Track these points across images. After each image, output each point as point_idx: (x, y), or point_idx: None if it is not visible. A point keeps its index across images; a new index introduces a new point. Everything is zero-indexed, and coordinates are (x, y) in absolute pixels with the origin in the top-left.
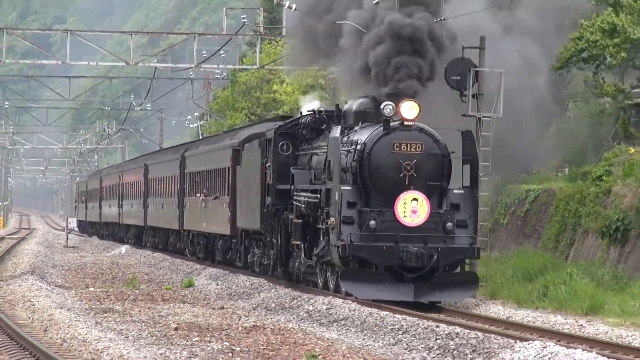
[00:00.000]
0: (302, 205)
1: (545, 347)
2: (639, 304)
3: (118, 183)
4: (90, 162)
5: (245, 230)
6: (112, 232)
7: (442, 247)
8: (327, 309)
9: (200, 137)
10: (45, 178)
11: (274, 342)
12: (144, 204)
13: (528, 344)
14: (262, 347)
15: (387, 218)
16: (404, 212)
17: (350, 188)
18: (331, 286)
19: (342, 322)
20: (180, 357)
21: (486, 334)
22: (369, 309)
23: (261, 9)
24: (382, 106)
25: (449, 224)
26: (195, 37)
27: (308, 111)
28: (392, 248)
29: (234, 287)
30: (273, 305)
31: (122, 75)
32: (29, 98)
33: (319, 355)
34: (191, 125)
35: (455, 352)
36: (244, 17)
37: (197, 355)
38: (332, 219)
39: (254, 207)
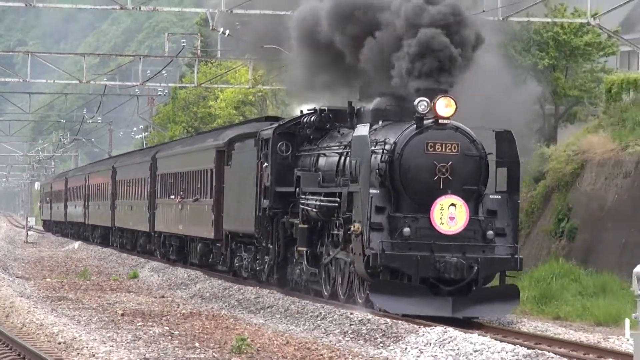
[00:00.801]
0: (313, 210)
1: (446, 332)
2: (526, 294)
3: (84, 185)
4: (48, 169)
5: (233, 234)
6: (78, 231)
7: (482, 257)
8: (255, 297)
9: (145, 147)
10: (8, 182)
11: (208, 326)
12: (111, 205)
13: (431, 329)
14: (197, 331)
15: (421, 225)
16: (441, 218)
17: (379, 191)
18: (341, 296)
19: (268, 310)
20: (125, 340)
21: (394, 321)
22: (292, 298)
23: (199, 34)
24: (416, 102)
25: (490, 232)
26: (140, 58)
27: (309, 110)
28: (428, 258)
29: (173, 278)
30: (208, 294)
31: (76, 92)
32: None
33: (247, 338)
34: (136, 137)
35: (367, 336)
36: (183, 42)
37: (140, 338)
38: (357, 224)
39: (246, 210)
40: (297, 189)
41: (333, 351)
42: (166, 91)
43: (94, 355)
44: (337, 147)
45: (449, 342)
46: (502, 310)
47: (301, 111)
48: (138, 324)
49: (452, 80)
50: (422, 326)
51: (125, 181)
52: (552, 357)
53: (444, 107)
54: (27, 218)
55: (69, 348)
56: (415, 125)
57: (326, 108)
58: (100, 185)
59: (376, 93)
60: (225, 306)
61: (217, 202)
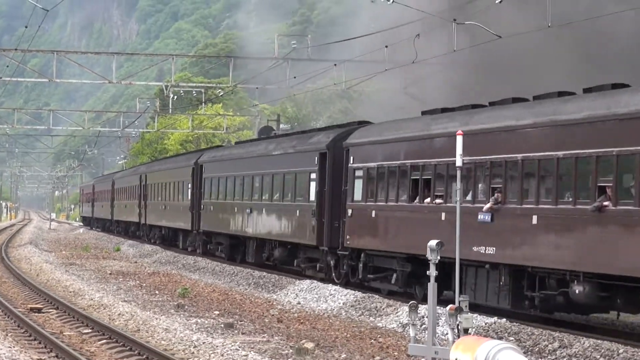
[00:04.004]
0: None
1: (312, 282)
2: None
3: (139, 184)
4: (64, 183)
5: None
6: (126, 229)
7: None
8: (193, 262)
9: (124, 169)
10: (38, 191)
11: (164, 281)
12: (192, 207)
13: (302, 281)
14: (157, 284)
15: None
16: None
17: None
18: None
19: (202, 270)
20: (112, 289)
21: (280, 276)
22: (216, 262)
23: (157, 98)
24: None
25: None
26: (121, 114)
27: None
28: None
29: (142, 251)
30: (164, 260)
31: (81, 134)
32: (29, 147)
33: (188, 288)
34: (119, 162)
35: (263, 285)
36: (148, 103)
37: (121, 288)
38: None
39: None
40: None
41: (242, 295)
42: (137, 134)
43: (92, 299)
44: None
45: (314, 289)
46: None
47: None
48: (120, 280)
49: None
50: (297, 280)
51: (216, 178)
52: (377, 298)
53: None
54: (50, 214)
55: (76, 295)
56: None
57: None
58: (167, 184)
59: None
60: (175, 268)
61: None
